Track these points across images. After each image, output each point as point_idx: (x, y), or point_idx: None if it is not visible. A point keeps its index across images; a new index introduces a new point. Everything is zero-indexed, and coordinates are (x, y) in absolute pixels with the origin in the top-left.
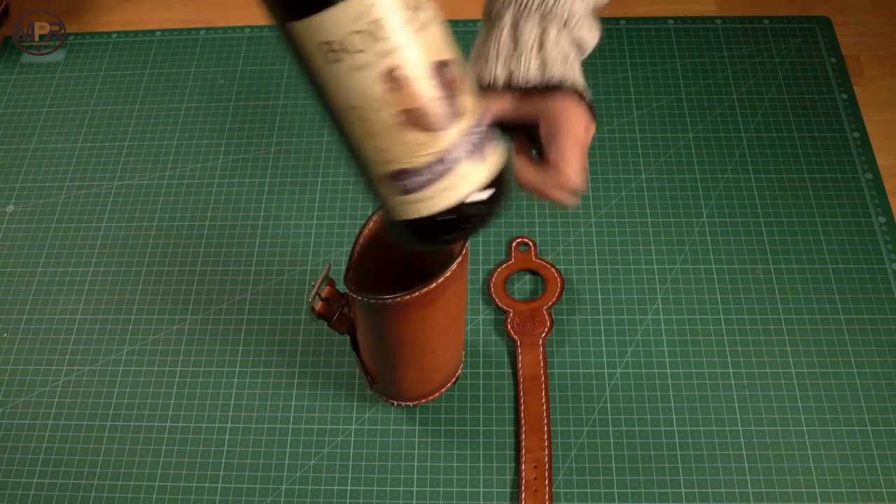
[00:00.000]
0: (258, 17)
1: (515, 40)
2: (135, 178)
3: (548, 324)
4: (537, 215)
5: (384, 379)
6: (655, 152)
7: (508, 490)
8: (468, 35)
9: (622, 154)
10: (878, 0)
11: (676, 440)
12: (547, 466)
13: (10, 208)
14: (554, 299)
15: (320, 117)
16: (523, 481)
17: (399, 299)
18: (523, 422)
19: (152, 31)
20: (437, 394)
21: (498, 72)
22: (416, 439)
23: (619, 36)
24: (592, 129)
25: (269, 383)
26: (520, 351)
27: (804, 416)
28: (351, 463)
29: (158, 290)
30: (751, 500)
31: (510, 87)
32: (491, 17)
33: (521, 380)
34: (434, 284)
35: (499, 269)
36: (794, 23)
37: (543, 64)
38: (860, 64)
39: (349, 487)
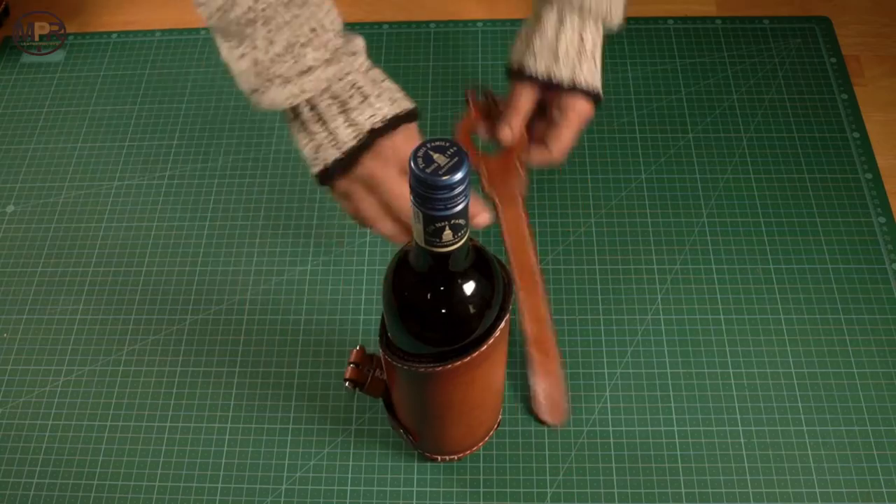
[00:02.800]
0: None
1: (557, 39)
2: (135, 178)
3: (522, 175)
4: (537, 215)
5: (427, 437)
6: (655, 152)
7: (509, 490)
8: (468, 35)
9: (622, 154)
10: (878, 0)
11: (676, 440)
12: (549, 320)
13: (10, 208)
14: (525, 146)
15: None
16: (529, 338)
17: (450, 366)
18: (518, 281)
19: (152, 31)
20: (482, 443)
21: (540, 68)
22: None
23: (619, 36)
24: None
25: (268, 384)
26: (500, 209)
27: (804, 416)
28: (351, 463)
29: (158, 290)
30: (751, 500)
31: (549, 82)
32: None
33: (508, 239)
34: (485, 346)
35: (459, 126)
36: (794, 23)
37: (574, 65)
38: (860, 64)
39: (349, 488)
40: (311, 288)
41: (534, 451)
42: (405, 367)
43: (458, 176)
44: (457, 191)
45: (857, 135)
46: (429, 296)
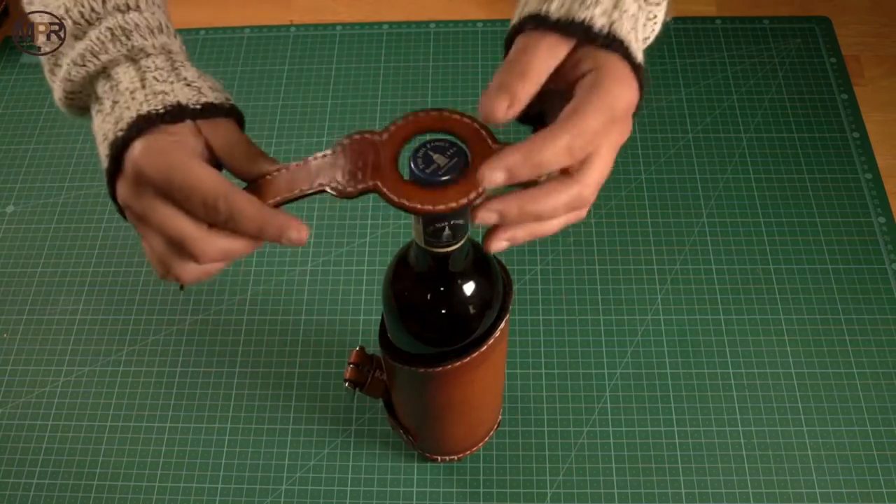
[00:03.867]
0: (258, 17)
1: None
2: None
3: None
4: None
5: (427, 437)
6: (655, 152)
7: (509, 490)
8: (468, 35)
9: (622, 154)
10: (878, 0)
11: (676, 440)
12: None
13: (10, 208)
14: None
15: (320, 117)
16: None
17: (449, 367)
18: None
19: None
20: (482, 443)
21: (552, 8)
22: None
23: None
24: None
25: (268, 384)
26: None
27: (804, 416)
28: (351, 463)
29: (158, 291)
30: (751, 500)
31: (567, 26)
32: None
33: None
34: (485, 347)
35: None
36: (794, 23)
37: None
38: (860, 64)
39: (349, 488)
40: (311, 288)
41: (534, 452)
42: (405, 368)
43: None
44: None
45: (856, 135)
46: (428, 296)
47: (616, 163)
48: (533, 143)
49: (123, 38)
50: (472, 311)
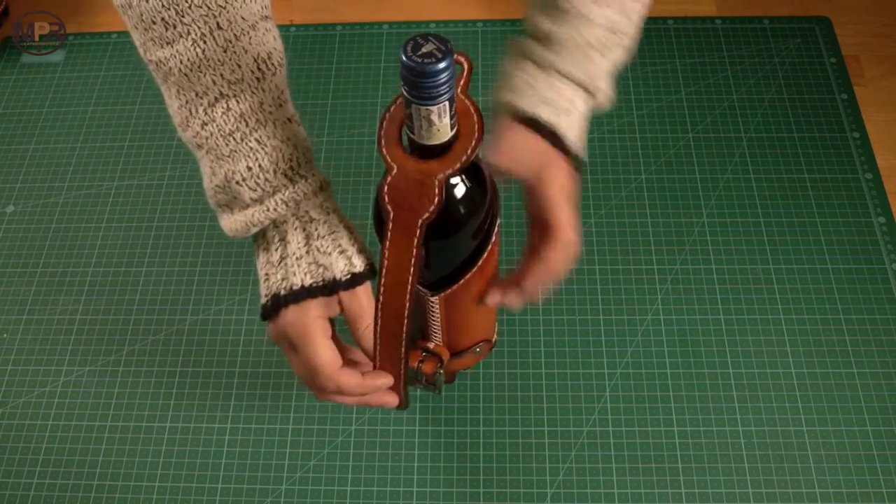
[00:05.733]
0: None
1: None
2: (135, 178)
3: (435, 202)
4: None
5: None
6: (655, 152)
7: (509, 490)
8: (468, 35)
9: (622, 154)
10: (878, 0)
11: (676, 440)
12: (401, 380)
13: (10, 208)
14: (457, 165)
15: (320, 117)
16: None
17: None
18: (379, 321)
19: None
20: (480, 357)
21: (526, 106)
22: (416, 440)
23: None
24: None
25: (268, 383)
26: (389, 227)
27: (804, 416)
28: (351, 463)
29: (158, 291)
30: (751, 500)
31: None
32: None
33: (385, 268)
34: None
35: (394, 105)
36: (794, 23)
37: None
38: (860, 64)
39: (349, 488)
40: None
41: (534, 452)
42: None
43: (447, 60)
44: (446, 64)
45: (857, 135)
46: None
47: (616, 163)
48: (525, 281)
49: (294, 207)
50: (462, 210)
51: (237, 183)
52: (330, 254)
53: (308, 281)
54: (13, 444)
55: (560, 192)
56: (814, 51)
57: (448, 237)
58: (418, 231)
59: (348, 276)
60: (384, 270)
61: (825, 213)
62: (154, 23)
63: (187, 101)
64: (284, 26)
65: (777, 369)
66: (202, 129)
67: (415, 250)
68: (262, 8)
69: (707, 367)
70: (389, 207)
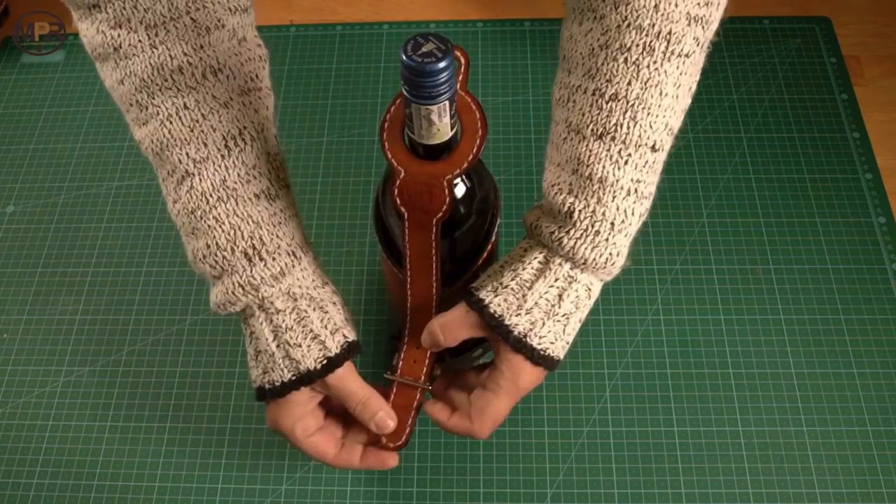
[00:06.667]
0: (258, 17)
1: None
2: (135, 178)
3: (446, 202)
4: None
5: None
6: None
7: (509, 490)
8: (468, 35)
9: None
10: (877, 0)
11: (676, 440)
12: (426, 364)
13: (10, 208)
14: (464, 165)
15: (320, 117)
16: (398, 374)
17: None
18: (409, 309)
19: None
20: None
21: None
22: (416, 439)
23: None
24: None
25: None
26: (407, 227)
27: (804, 416)
28: None
29: (158, 291)
30: (751, 500)
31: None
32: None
33: (409, 258)
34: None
35: (394, 105)
36: (794, 23)
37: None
38: (860, 64)
39: (349, 488)
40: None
41: (534, 452)
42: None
43: (447, 60)
44: (446, 63)
45: (857, 135)
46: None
47: None
48: (472, 423)
49: (254, 294)
50: (462, 210)
51: (200, 260)
52: (300, 345)
53: (287, 376)
54: (13, 444)
55: (511, 383)
56: (814, 51)
57: (449, 237)
58: (434, 228)
59: (323, 363)
60: (408, 256)
61: (825, 213)
62: (131, 105)
63: (163, 179)
64: (284, 26)
65: (777, 369)
66: (174, 206)
67: (434, 244)
68: (245, 81)
69: (707, 367)
70: (403, 210)
